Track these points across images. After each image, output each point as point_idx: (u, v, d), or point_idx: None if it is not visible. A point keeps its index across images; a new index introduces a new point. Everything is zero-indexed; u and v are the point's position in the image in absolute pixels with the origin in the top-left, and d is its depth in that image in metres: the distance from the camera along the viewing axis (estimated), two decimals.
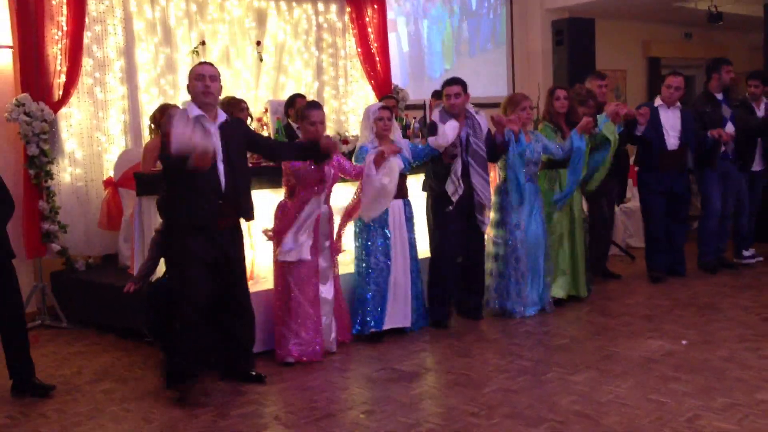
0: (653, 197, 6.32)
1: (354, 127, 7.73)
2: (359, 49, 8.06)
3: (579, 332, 5.17)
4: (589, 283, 5.98)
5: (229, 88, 7.07)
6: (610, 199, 6.49)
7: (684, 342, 4.77)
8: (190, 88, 4.08)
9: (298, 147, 4.57)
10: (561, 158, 5.56)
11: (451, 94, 5.24)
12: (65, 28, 5.96)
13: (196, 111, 4.02)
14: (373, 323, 5.04)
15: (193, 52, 6.84)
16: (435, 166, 5.29)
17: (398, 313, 5.09)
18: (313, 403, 4.05)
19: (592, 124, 5.51)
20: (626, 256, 7.43)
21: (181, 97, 6.71)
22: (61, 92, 5.98)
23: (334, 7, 7.96)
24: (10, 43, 5.91)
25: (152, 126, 5.76)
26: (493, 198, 5.47)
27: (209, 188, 3.98)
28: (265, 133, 6.48)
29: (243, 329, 4.35)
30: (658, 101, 6.32)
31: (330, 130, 7.01)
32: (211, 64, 4.28)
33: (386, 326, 5.05)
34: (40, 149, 5.84)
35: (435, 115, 5.32)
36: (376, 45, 8.11)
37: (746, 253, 6.85)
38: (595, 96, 6.10)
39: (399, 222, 5.08)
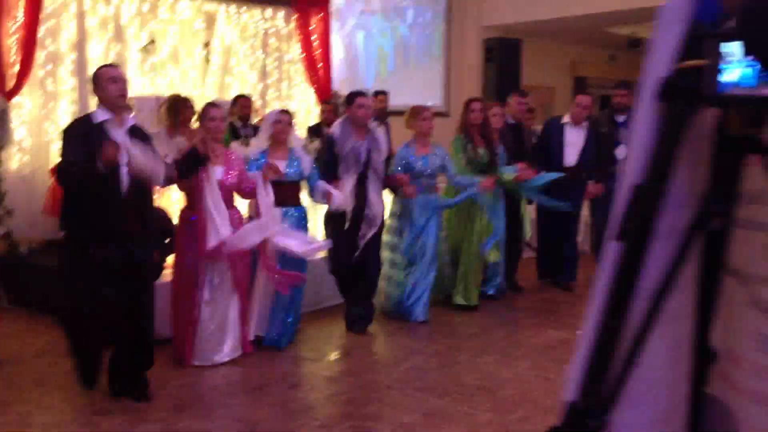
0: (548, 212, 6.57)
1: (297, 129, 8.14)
2: (303, 55, 8.51)
3: (488, 324, 5.73)
4: (495, 291, 6.30)
5: (176, 87, 7.45)
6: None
7: (579, 331, 5.36)
8: (102, 91, 3.85)
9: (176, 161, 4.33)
10: (453, 185, 5.87)
11: (364, 104, 5.25)
12: (21, 21, 6.23)
13: (102, 116, 3.85)
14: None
15: (143, 49, 7.17)
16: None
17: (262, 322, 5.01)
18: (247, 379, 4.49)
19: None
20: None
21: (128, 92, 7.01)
22: (14, 82, 6.24)
23: (280, 14, 8.39)
24: None
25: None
26: (391, 205, 5.67)
27: (111, 194, 3.81)
28: None
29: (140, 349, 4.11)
30: (566, 118, 6.65)
31: None
32: (118, 66, 4.36)
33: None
34: None
35: (336, 127, 5.36)
36: (319, 51, 8.58)
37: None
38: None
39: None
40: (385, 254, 5.66)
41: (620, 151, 6.55)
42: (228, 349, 4.66)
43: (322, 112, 7.94)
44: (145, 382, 4.09)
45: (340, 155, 5.17)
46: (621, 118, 6.69)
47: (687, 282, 1.21)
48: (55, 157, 6.62)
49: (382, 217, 5.41)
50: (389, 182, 5.46)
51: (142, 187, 3.94)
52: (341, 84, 9.22)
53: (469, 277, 5.99)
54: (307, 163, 5.09)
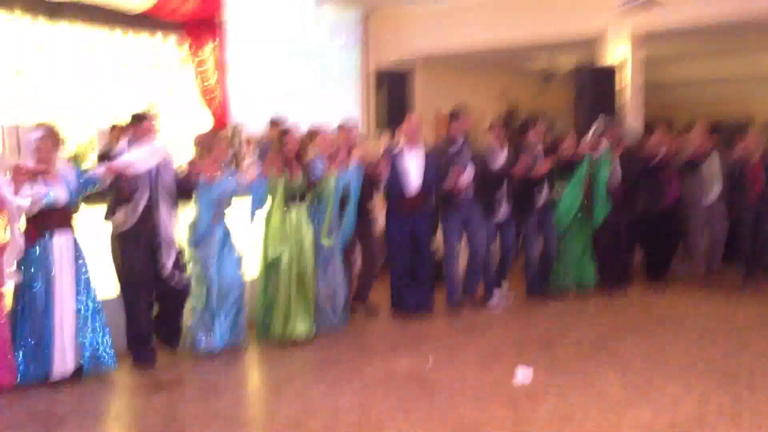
0: (397, 240, 6.48)
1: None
2: (197, 84, 8.40)
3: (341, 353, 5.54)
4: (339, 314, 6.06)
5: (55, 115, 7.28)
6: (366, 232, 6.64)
7: (429, 362, 5.20)
8: None
9: None
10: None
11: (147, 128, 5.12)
12: None
13: None
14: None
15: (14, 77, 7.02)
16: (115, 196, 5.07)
17: (61, 362, 4.67)
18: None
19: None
20: None
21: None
22: None
23: (171, 42, 8.28)
24: None
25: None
26: (187, 233, 5.42)
27: None
28: None
29: None
30: (402, 145, 6.51)
31: None
32: None
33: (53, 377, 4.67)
34: None
35: (122, 143, 5.20)
36: (214, 80, 8.48)
37: (493, 293, 6.99)
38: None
39: (65, 258, 4.71)
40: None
41: (468, 172, 6.52)
42: None
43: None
44: None
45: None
46: (460, 141, 6.63)
47: None
48: None
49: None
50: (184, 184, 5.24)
51: None
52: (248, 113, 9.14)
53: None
54: (73, 179, 4.76)
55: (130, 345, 5.13)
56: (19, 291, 4.63)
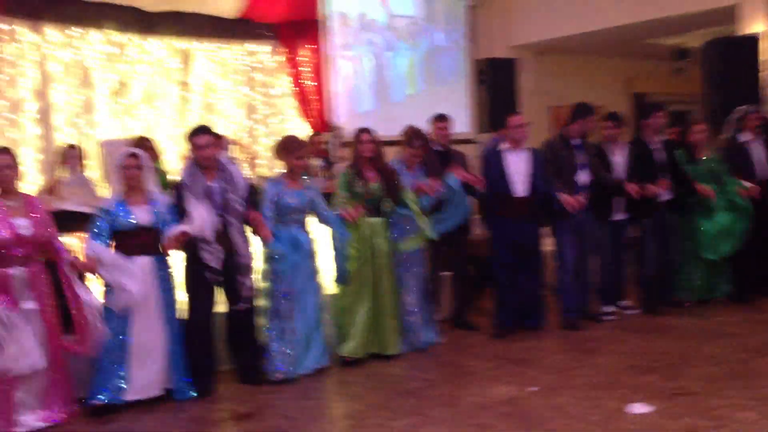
0: (500, 249, 5.84)
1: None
2: (295, 89, 8.17)
3: (433, 377, 5.03)
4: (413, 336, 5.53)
5: (152, 128, 7.28)
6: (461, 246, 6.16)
7: (533, 388, 4.60)
8: None
9: None
10: (321, 223, 5.24)
11: (201, 144, 4.69)
12: None
13: None
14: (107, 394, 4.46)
15: (111, 93, 7.04)
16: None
17: (144, 382, 4.51)
18: None
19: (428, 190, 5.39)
20: None
21: (98, 136, 6.92)
22: None
23: (266, 48, 8.10)
24: None
25: None
26: (263, 248, 5.02)
27: None
28: None
29: None
30: (503, 144, 5.89)
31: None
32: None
33: (130, 396, 4.49)
34: None
35: (185, 170, 4.81)
36: (312, 84, 8.21)
37: (605, 308, 6.27)
38: (424, 137, 5.76)
39: (146, 281, 4.51)
40: (262, 302, 5.04)
41: (582, 177, 5.85)
42: None
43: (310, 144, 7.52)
44: None
45: (190, 200, 4.66)
46: (576, 142, 5.97)
47: None
48: None
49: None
50: (246, 219, 4.85)
51: None
52: (350, 116, 8.83)
53: (382, 318, 5.33)
54: (166, 205, 4.62)
55: (194, 374, 4.78)
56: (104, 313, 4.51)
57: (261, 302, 5.02)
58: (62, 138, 6.80)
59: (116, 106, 7.12)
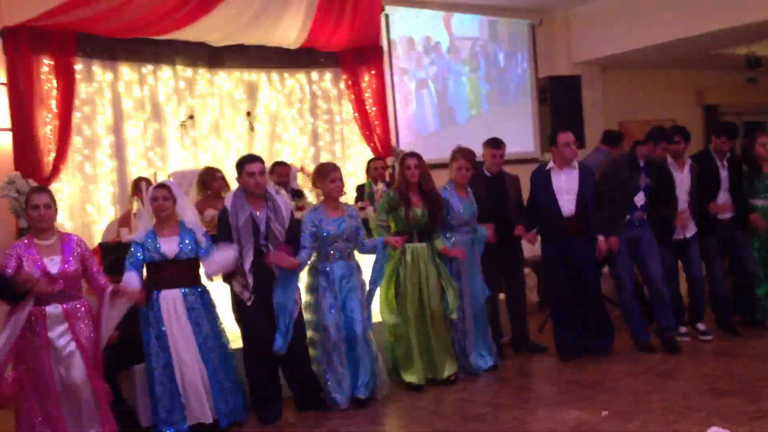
0: (553, 269, 5.73)
1: (351, 190, 7.85)
2: (356, 114, 8.25)
3: (499, 401, 4.95)
4: (465, 361, 5.48)
5: (220, 158, 7.47)
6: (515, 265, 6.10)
7: (604, 413, 4.47)
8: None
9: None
10: (361, 252, 5.20)
11: (254, 171, 4.75)
12: (55, 111, 6.52)
13: None
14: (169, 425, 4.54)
15: (181, 125, 7.27)
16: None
17: (196, 409, 4.55)
18: None
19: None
20: None
21: (169, 168, 7.14)
22: (50, 169, 6.51)
23: (328, 75, 8.22)
24: (9, 126, 6.53)
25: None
26: (306, 279, 5.08)
27: None
28: None
29: None
30: (550, 164, 5.78)
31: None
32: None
33: (188, 422, 4.57)
34: None
35: (228, 199, 4.86)
36: (374, 109, 8.27)
37: (682, 329, 6.08)
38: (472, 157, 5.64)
39: (176, 314, 4.56)
40: (309, 334, 5.05)
41: (638, 198, 5.73)
42: None
43: (368, 170, 7.58)
44: None
45: (235, 228, 4.71)
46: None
47: None
48: (96, 238, 6.82)
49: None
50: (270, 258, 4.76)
51: None
52: (414, 139, 8.88)
53: (432, 345, 5.28)
54: (201, 235, 4.67)
55: (254, 405, 4.88)
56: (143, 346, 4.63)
57: (309, 333, 5.02)
58: (135, 171, 7.04)
59: (186, 139, 7.32)
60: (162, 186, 4.71)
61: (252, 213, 4.77)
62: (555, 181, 5.67)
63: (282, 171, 7.12)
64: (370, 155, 8.22)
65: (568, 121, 7.96)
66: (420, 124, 9.32)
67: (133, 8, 6.49)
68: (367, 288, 5.11)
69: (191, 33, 7.09)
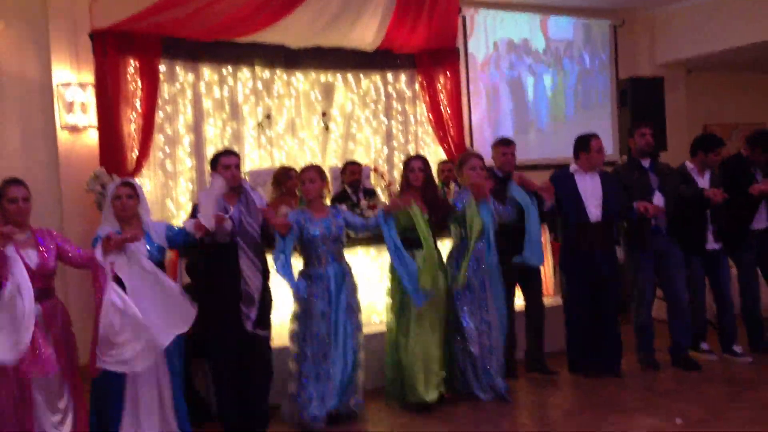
0: (574, 282, 5.48)
1: None
2: (430, 116, 8.24)
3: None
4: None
5: (295, 158, 7.60)
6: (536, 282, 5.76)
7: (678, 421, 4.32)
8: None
9: None
10: (362, 233, 5.08)
11: (231, 164, 4.69)
12: (139, 110, 6.78)
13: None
14: None
15: (258, 125, 7.43)
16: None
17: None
18: None
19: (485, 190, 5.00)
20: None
21: (247, 166, 7.31)
22: (133, 165, 6.77)
23: (403, 77, 8.25)
24: (96, 124, 6.82)
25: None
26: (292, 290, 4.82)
27: None
28: None
29: None
30: (573, 167, 5.58)
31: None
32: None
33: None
34: None
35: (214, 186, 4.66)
36: (448, 111, 8.25)
37: (703, 346, 5.80)
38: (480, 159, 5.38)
39: None
40: (293, 348, 4.84)
41: (656, 200, 5.48)
42: None
43: (440, 171, 7.56)
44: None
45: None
46: (646, 163, 5.65)
47: None
48: None
49: (261, 291, 4.64)
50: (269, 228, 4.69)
51: None
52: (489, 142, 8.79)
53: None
54: (162, 231, 4.39)
55: (221, 413, 4.71)
56: None
57: (291, 346, 4.85)
58: None
59: (262, 138, 7.48)
60: (126, 184, 4.43)
61: (225, 206, 4.62)
62: (581, 184, 5.48)
63: (354, 169, 7.20)
64: (443, 155, 8.21)
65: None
66: (496, 127, 9.23)
67: (215, 12, 6.69)
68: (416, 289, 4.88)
69: (270, 35, 7.25)
